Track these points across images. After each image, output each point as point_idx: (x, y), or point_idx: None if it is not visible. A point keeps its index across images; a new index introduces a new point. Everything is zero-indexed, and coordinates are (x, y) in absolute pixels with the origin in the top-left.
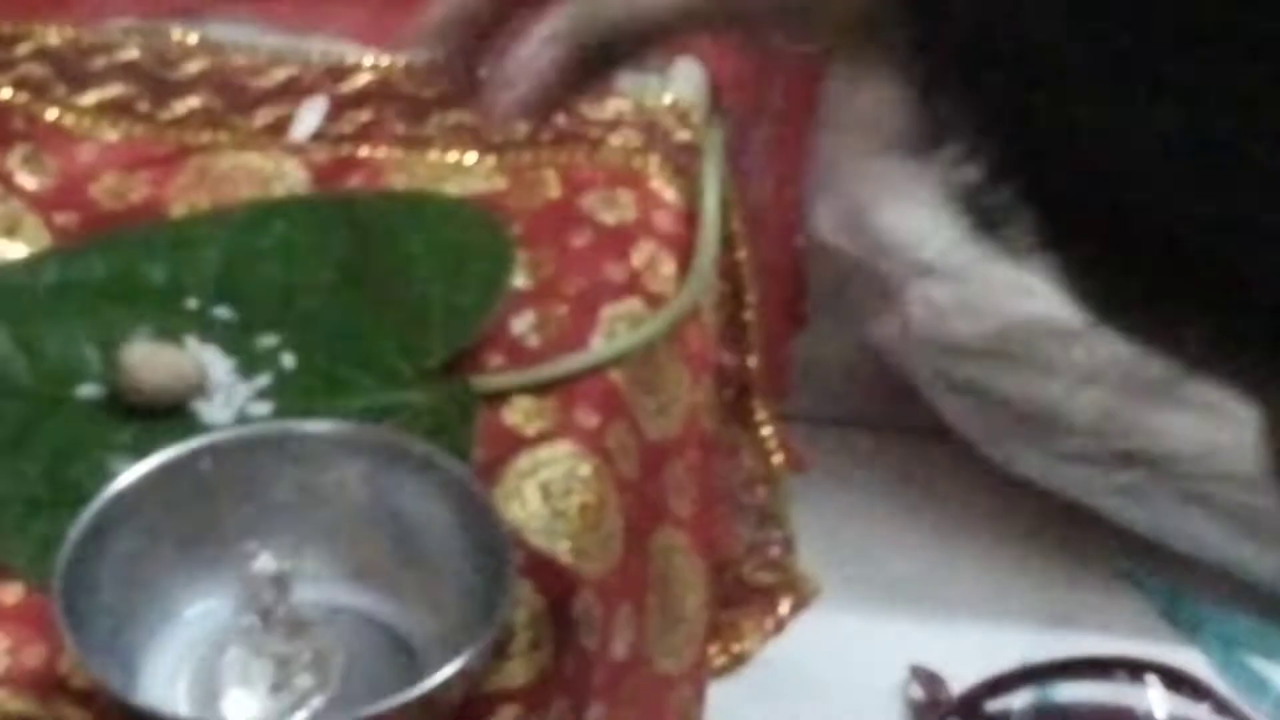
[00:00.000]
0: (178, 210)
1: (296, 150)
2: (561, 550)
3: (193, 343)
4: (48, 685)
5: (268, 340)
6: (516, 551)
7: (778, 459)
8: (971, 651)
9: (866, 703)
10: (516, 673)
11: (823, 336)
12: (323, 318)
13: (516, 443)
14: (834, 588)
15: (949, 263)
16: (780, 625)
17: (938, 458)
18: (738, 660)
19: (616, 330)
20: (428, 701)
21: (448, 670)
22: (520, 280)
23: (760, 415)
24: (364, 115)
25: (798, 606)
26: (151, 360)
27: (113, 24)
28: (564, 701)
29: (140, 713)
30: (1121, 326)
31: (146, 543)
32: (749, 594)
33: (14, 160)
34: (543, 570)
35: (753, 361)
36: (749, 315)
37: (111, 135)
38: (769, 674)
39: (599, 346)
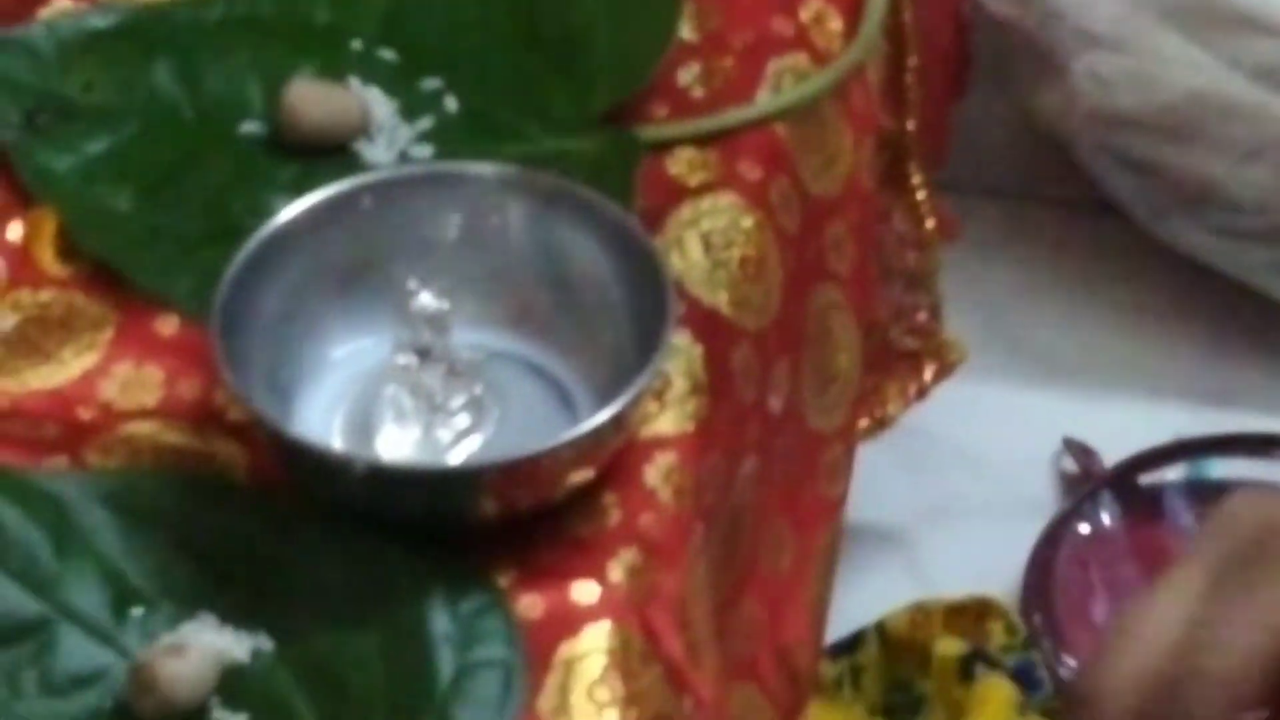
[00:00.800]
0: None
1: None
2: (721, 301)
3: (356, 83)
4: (203, 418)
5: (431, 83)
6: (676, 300)
7: (930, 224)
8: (1125, 425)
9: (1017, 473)
10: (672, 421)
11: (984, 106)
12: (487, 62)
13: (679, 193)
14: (987, 359)
15: (1117, 34)
16: (923, 391)
17: (1098, 232)
18: (880, 425)
19: (782, 84)
20: (582, 446)
21: (602, 415)
22: (686, 31)
23: (915, 179)
24: None
25: (942, 373)
26: (314, 99)
27: None
28: (718, 452)
29: (295, 446)
30: None
31: (305, 279)
32: (894, 359)
33: None
34: (701, 320)
35: (911, 124)
36: (909, 78)
37: None
38: (919, 442)
39: (764, 99)
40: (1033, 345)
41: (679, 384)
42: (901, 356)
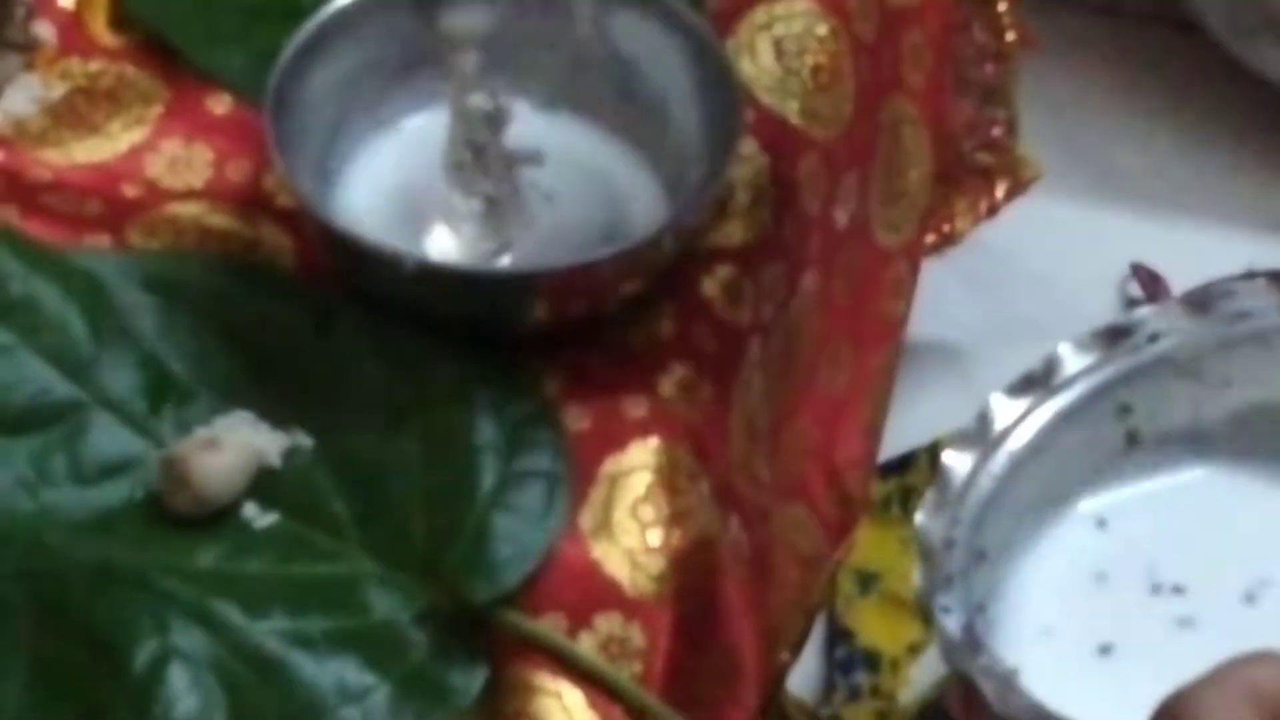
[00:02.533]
0: None
1: None
2: (790, 110)
3: None
4: (250, 202)
5: None
6: (745, 107)
7: (1011, 36)
8: (1194, 252)
9: (1082, 295)
10: (733, 232)
11: None
12: None
13: None
14: (1058, 176)
15: None
16: (994, 209)
17: (1181, 50)
18: (947, 240)
19: None
20: (639, 254)
21: (663, 223)
22: None
23: None
24: None
25: (1014, 191)
26: None
27: None
28: (779, 265)
29: (344, 239)
30: None
31: (364, 64)
32: (965, 174)
33: None
34: (770, 129)
35: None
36: None
37: None
38: (983, 259)
39: None
40: (1104, 164)
41: (742, 194)
42: (974, 171)
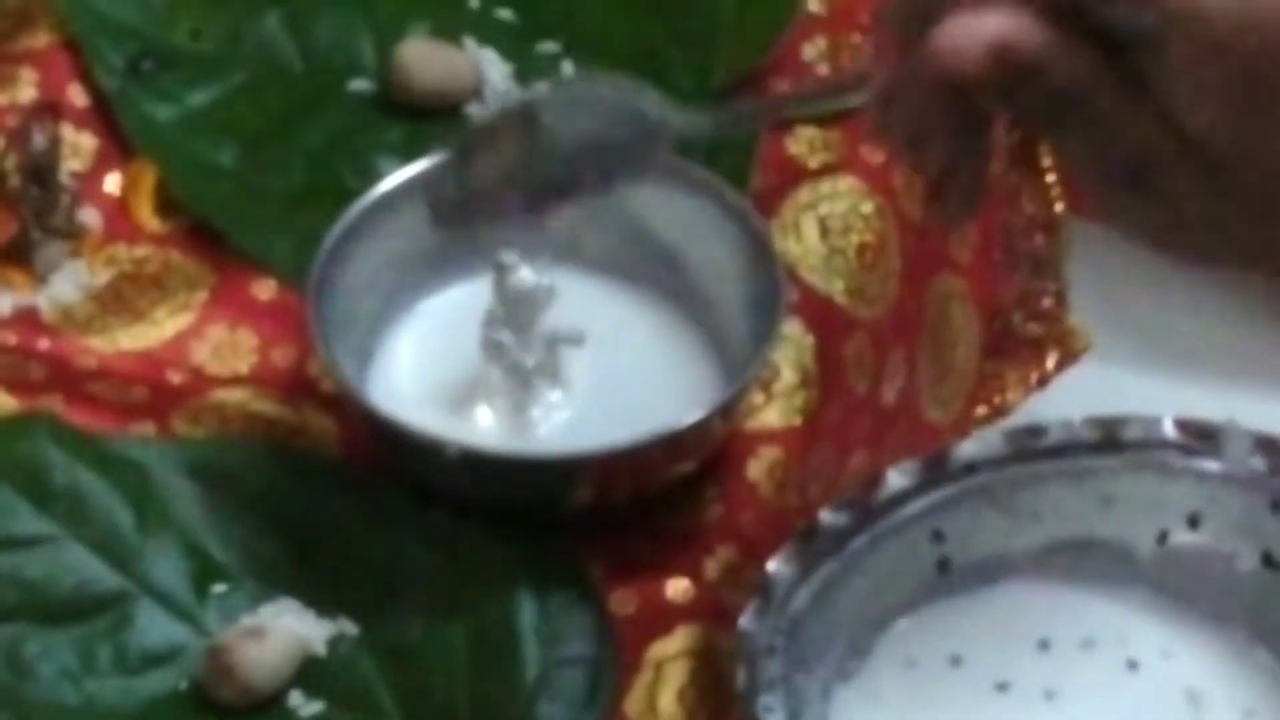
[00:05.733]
0: None
1: None
2: (836, 290)
3: (471, 44)
4: (296, 388)
5: (548, 47)
6: (789, 287)
7: (1060, 207)
8: (1248, 417)
9: None
10: (779, 414)
11: None
12: (607, 27)
13: (798, 174)
14: (1108, 342)
15: None
16: (1045, 379)
17: None
18: (998, 412)
19: None
20: (684, 438)
21: (707, 407)
22: (813, 4)
23: (1046, 160)
24: None
25: (1064, 361)
26: (427, 58)
27: None
28: (827, 447)
29: (386, 425)
30: None
31: (407, 246)
32: (1016, 345)
33: None
34: (815, 309)
35: None
36: None
37: None
38: None
39: None
40: (1156, 330)
41: (788, 375)
42: (1024, 343)
